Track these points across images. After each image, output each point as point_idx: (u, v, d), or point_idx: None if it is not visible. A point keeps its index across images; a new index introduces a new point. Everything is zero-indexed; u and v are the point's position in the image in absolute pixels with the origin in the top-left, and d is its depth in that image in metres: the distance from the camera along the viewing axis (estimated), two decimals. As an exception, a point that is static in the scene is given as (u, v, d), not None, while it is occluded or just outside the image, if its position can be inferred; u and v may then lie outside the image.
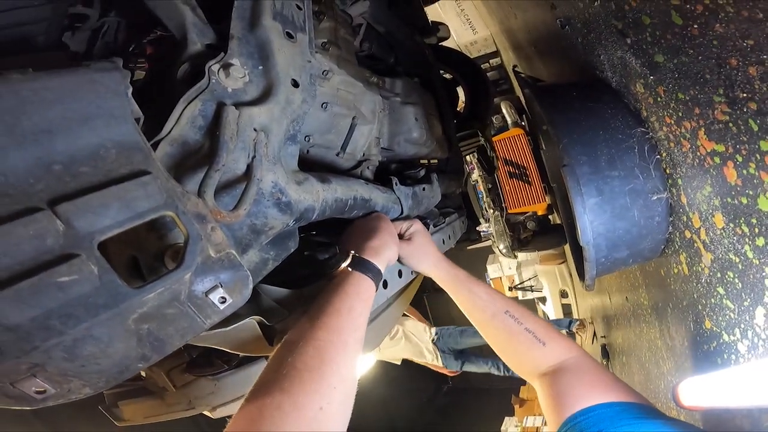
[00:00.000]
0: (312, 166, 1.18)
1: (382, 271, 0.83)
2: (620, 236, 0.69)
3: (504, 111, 3.57)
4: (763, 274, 0.54)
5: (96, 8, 0.84)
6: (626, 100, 0.73)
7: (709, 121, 0.54)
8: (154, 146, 0.58)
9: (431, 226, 1.59)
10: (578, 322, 2.94)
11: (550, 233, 3.80)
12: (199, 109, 0.59)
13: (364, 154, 1.27)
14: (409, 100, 1.46)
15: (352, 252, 0.81)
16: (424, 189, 1.40)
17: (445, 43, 2.44)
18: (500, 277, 5.58)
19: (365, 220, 0.97)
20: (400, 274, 1.18)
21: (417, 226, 1.00)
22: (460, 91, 2.43)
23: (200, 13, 0.72)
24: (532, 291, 5.03)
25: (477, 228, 3.23)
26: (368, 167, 1.26)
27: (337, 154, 1.20)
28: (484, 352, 3.44)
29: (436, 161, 1.96)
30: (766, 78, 0.45)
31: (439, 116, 1.73)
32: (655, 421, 0.61)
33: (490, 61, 5.49)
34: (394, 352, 3.37)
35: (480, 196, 4.12)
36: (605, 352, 2.53)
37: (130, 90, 0.51)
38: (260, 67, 0.70)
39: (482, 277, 5.72)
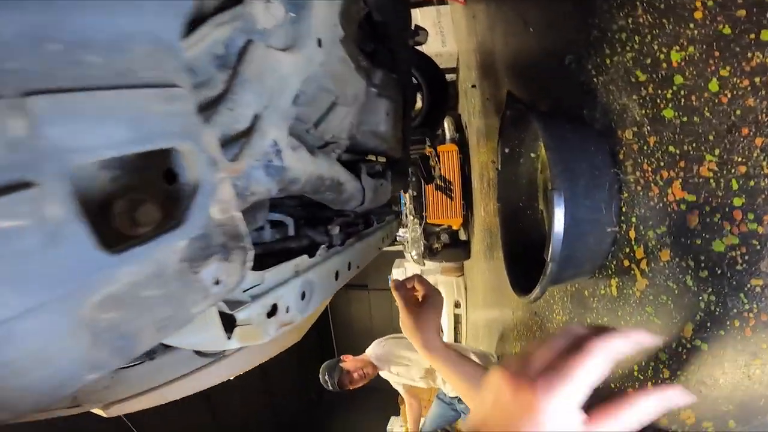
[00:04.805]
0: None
1: None
2: (573, 257, 0.77)
3: (446, 126, 3.76)
4: (699, 298, 0.62)
5: None
6: (609, 141, 0.81)
7: (690, 174, 0.63)
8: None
9: (375, 222, 1.58)
10: None
11: (457, 247, 4.14)
12: (227, 37, 0.48)
13: (333, 136, 1.20)
14: (385, 93, 1.42)
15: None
16: (381, 184, 1.38)
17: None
18: (402, 283, 5.77)
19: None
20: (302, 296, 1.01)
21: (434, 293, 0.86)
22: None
23: None
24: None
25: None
26: (334, 150, 1.20)
27: (308, 130, 1.11)
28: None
29: (385, 160, 1.95)
30: (767, 149, 0.52)
31: (402, 117, 1.74)
32: None
33: (446, 76, 5.71)
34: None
35: (403, 202, 4.27)
36: None
37: None
38: (293, 14, 0.61)
39: (385, 278, 5.87)
